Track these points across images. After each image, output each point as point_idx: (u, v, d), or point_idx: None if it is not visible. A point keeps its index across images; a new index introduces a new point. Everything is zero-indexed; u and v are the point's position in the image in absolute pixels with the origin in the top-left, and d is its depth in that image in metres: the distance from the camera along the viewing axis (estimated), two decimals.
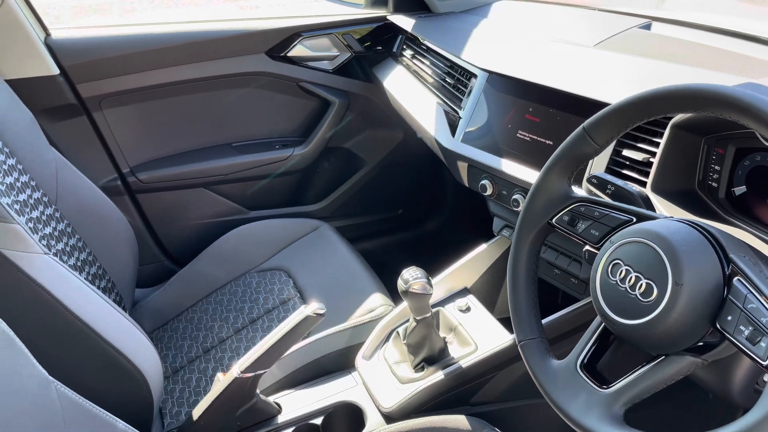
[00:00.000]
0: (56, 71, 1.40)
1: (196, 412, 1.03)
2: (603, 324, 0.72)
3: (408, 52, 1.60)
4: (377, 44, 1.69)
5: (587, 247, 0.83)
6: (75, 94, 1.44)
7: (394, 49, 1.67)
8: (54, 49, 1.40)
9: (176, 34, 1.50)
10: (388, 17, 1.65)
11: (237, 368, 1.02)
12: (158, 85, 1.53)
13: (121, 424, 0.75)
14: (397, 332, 1.15)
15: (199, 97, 1.59)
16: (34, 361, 0.68)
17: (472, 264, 1.25)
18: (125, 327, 1.05)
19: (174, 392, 1.32)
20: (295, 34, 1.59)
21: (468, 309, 1.18)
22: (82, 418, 0.71)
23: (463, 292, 1.23)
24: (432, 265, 1.34)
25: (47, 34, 1.41)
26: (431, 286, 1.01)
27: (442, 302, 1.22)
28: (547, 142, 1.02)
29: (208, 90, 1.59)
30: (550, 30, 1.37)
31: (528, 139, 1.06)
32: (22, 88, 1.33)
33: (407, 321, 1.12)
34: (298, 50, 1.60)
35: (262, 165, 1.66)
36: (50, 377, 0.69)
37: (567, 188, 0.78)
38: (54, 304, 0.92)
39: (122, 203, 1.57)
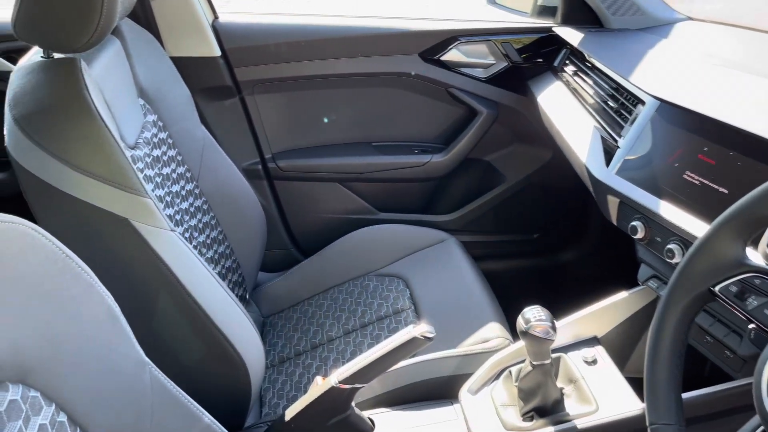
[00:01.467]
0: (218, 53, 1.45)
1: (289, 413, 1.01)
2: (763, 430, 0.58)
3: (570, 68, 1.47)
4: (538, 56, 1.58)
5: (754, 325, 0.68)
6: (232, 76, 1.49)
7: (555, 63, 1.55)
8: (219, 31, 1.46)
9: (334, 28, 1.50)
10: (554, 29, 1.54)
11: (336, 377, 0.98)
12: (310, 76, 1.54)
13: (206, 417, 0.73)
14: (510, 372, 1.05)
15: (347, 92, 1.58)
16: (134, 341, 0.68)
17: (607, 311, 1.12)
18: (236, 315, 1.05)
19: (276, 382, 1.32)
20: (451, 38, 1.53)
21: (594, 361, 1.05)
22: (170, 406, 0.70)
23: (592, 341, 1.10)
24: (561, 301, 1.22)
25: (215, 17, 1.47)
26: (555, 331, 0.91)
27: (566, 348, 1.09)
28: (722, 190, 0.86)
29: (357, 86, 1.58)
30: (742, 59, 1.18)
31: (697, 182, 0.91)
32: (184, 65, 1.40)
33: (523, 362, 1.02)
34: (452, 54, 1.54)
35: (399, 168, 1.62)
36: (146, 359, 0.69)
37: (741, 253, 0.65)
38: (171, 279, 0.94)
39: (259, 187, 1.61)
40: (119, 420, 0.63)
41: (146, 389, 0.67)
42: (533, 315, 0.91)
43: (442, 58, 1.55)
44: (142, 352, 0.69)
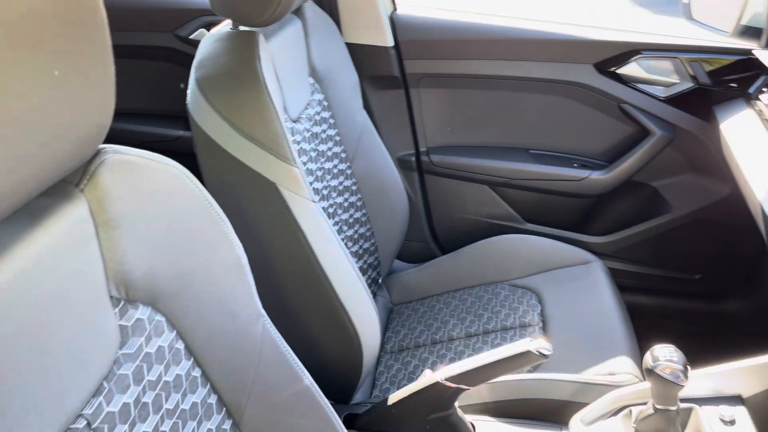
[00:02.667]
0: (391, 43, 1.50)
1: (392, 399, 1.02)
2: None
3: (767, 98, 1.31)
4: (730, 80, 1.42)
5: None
6: (400, 68, 1.53)
7: (751, 90, 1.39)
8: (396, 23, 1.50)
9: (507, 29, 1.48)
10: (754, 51, 1.38)
11: (443, 373, 0.97)
12: (477, 75, 1.54)
13: (307, 379, 0.77)
14: (630, 411, 0.96)
15: (511, 95, 1.55)
16: (255, 293, 0.73)
17: (761, 371, 0.98)
18: (359, 293, 1.08)
19: (391, 369, 1.34)
20: (632, 51, 1.43)
21: (732, 422, 0.93)
22: (276, 361, 0.74)
23: (735, 400, 0.98)
24: (710, 351, 1.10)
25: (394, 9, 1.52)
26: (686, 377, 0.82)
27: (702, 401, 0.98)
28: None
29: (523, 90, 1.54)
30: None
31: None
32: (357, 52, 1.46)
33: (647, 403, 0.93)
34: (630, 68, 1.45)
35: (553, 179, 1.56)
36: (263, 312, 0.73)
37: None
38: (305, 247, 0.99)
39: (410, 178, 1.64)
40: (227, 362, 0.68)
41: (257, 339, 0.72)
42: (663, 354, 0.83)
43: (619, 71, 1.46)
44: (260, 304, 0.74)
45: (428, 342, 1.38)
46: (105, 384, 0.54)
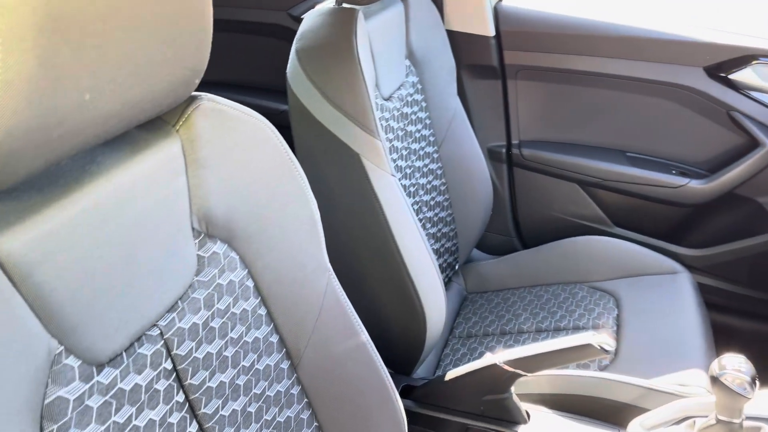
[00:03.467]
0: (492, 33, 1.51)
1: (449, 375, 1.04)
2: None
3: None
4: None
5: None
6: (500, 58, 1.54)
7: None
8: (499, 13, 1.51)
9: (614, 26, 1.44)
10: None
11: (501, 356, 0.98)
12: (578, 71, 1.51)
13: (365, 335, 0.81)
14: (694, 422, 0.93)
15: (612, 94, 1.51)
16: (324, 248, 0.78)
17: None
18: (430, 271, 1.11)
19: (457, 353, 1.36)
20: (749, 56, 1.36)
21: None
22: (336, 314, 0.78)
23: None
24: None
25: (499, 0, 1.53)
26: (754, 389, 0.78)
27: None
28: None
29: (625, 90, 1.50)
30: None
31: None
32: (458, 39, 1.48)
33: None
34: (744, 74, 1.37)
35: (649, 185, 1.51)
36: (329, 267, 0.78)
37: None
38: (381, 219, 1.03)
39: (498, 170, 1.64)
40: (291, 307, 0.74)
41: (321, 291, 0.77)
42: (732, 363, 0.80)
43: (731, 76, 1.38)
44: (327, 260, 0.78)
45: (497, 332, 1.39)
46: (179, 303, 0.61)
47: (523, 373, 0.97)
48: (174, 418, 0.58)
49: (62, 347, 0.49)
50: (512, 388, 1.01)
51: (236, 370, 0.67)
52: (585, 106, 1.55)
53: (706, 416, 0.94)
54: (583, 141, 1.58)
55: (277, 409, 0.72)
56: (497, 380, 0.99)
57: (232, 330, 0.67)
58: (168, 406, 0.58)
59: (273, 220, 0.71)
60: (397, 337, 1.12)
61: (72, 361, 0.49)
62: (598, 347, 0.90)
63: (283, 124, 1.12)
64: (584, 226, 1.61)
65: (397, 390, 0.88)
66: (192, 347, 0.61)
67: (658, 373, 1.10)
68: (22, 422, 0.44)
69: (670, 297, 1.34)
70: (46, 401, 0.47)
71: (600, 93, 1.52)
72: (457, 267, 1.50)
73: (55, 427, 0.47)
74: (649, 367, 1.12)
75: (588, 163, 1.55)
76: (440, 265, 1.41)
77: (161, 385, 0.57)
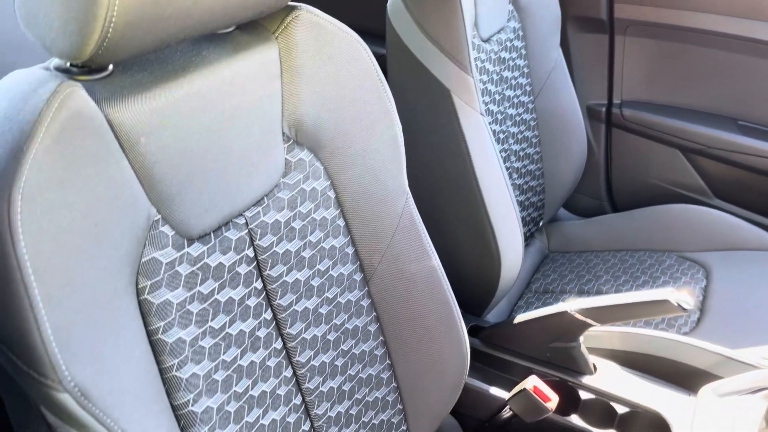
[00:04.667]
0: None
1: (519, 319, 1.05)
2: None
3: None
4: None
5: None
6: (609, 11, 1.47)
7: None
8: None
9: None
10: None
11: (574, 305, 0.98)
12: (695, 29, 1.42)
13: (436, 260, 0.83)
14: None
15: (730, 57, 1.42)
16: (404, 172, 0.80)
17: None
18: (510, 217, 1.11)
19: (531, 305, 1.36)
20: None
21: None
22: (410, 236, 0.81)
23: None
24: None
25: None
26: None
27: None
28: None
29: (746, 53, 1.40)
30: None
31: None
32: None
33: None
34: None
35: (759, 156, 1.41)
36: (408, 189, 0.81)
37: None
38: (465, 158, 1.04)
39: (595, 129, 1.59)
40: (369, 222, 0.77)
41: (398, 211, 0.80)
42: None
43: None
44: (406, 182, 0.81)
45: (575, 290, 1.37)
46: (265, 199, 0.65)
47: (593, 322, 0.96)
48: (252, 302, 0.64)
49: (160, 216, 0.54)
50: (581, 338, 1.00)
51: (312, 272, 0.71)
52: (697, 67, 1.46)
53: None
54: (690, 105, 1.49)
55: (346, 316, 0.76)
56: (567, 328, 0.99)
57: (311, 234, 0.71)
58: (247, 290, 0.63)
59: (358, 136, 0.74)
60: (470, 278, 1.13)
61: (167, 230, 0.55)
62: (676, 304, 0.88)
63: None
64: (681, 195, 1.54)
65: (466, 328, 0.90)
66: (273, 241, 0.66)
67: (740, 345, 1.05)
68: (122, 273, 0.50)
69: (765, 274, 1.27)
70: (143, 260, 0.53)
71: (715, 54, 1.43)
72: (541, 224, 1.49)
73: (148, 283, 0.53)
74: (730, 338, 1.07)
75: (693, 128, 1.47)
76: (523, 218, 1.40)
77: (242, 269, 0.62)
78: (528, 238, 1.47)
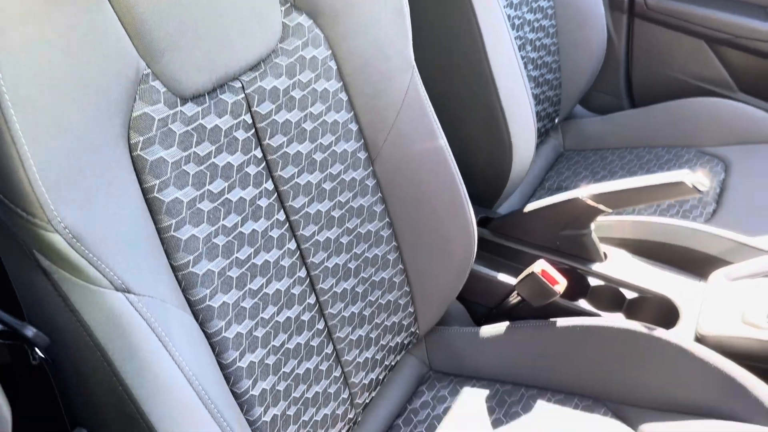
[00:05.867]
0: None
1: (529, 207, 1.03)
2: None
3: None
4: None
5: None
6: None
7: None
8: None
9: None
10: None
11: (586, 191, 0.96)
12: None
13: (443, 140, 0.81)
14: None
15: None
16: (410, 45, 0.77)
17: None
18: (524, 104, 1.08)
19: (542, 196, 1.34)
20: None
21: None
22: (417, 113, 0.79)
23: None
24: None
25: None
26: None
27: None
28: None
29: None
30: None
31: None
32: None
33: None
34: None
35: None
36: (414, 64, 0.77)
37: None
38: (478, 42, 1.00)
39: (616, 20, 1.51)
40: (372, 98, 0.74)
41: (404, 86, 0.77)
42: None
43: None
44: (412, 56, 0.77)
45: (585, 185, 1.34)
46: (262, 65, 0.63)
47: (605, 209, 0.94)
48: (251, 170, 0.63)
49: (150, 71, 0.52)
50: (592, 226, 0.99)
51: (314, 146, 0.69)
52: None
53: None
54: None
55: (351, 194, 0.75)
56: (578, 215, 0.98)
57: (312, 105, 0.69)
58: (246, 157, 0.62)
59: (360, 3, 0.70)
60: (481, 168, 1.11)
61: (158, 86, 0.53)
62: (691, 186, 0.85)
63: None
64: (703, 89, 1.48)
65: (475, 217, 0.89)
66: (272, 109, 0.64)
67: (755, 233, 1.04)
68: (113, 123, 0.49)
69: None
70: (134, 114, 0.51)
71: None
72: (556, 120, 1.44)
73: (140, 139, 0.52)
74: (745, 228, 1.05)
75: (721, 17, 1.39)
76: (538, 113, 1.36)
77: (240, 135, 0.61)
78: (542, 135, 1.43)
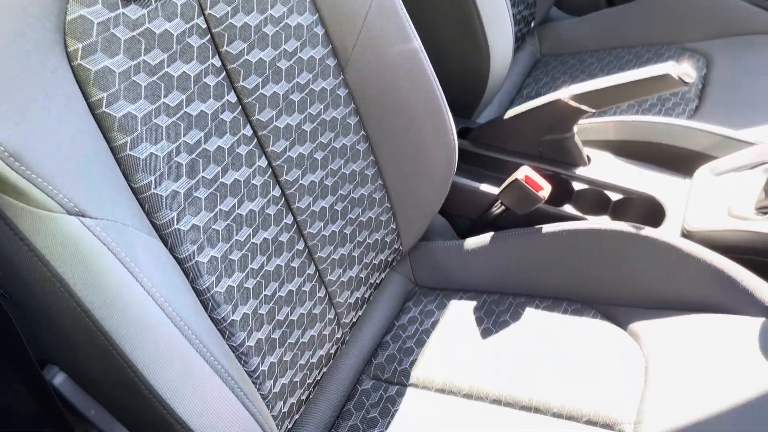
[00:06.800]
0: None
1: (509, 114, 0.99)
2: None
3: None
4: None
5: None
6: None
7: None
8: None
9: None
10: None
11: (567, 92, 0.92)
12: None
13: (417, 42, 0.76)
14: None
15: None
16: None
17: None
18: (501, 10, 1.02)
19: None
20: None
21: None
22: (389, 13, 0.74)
23: None
24: None
25: None
26: None
27: None
28: None
29: None
30: None
31: None
32: None
33: None
34: None
35: None
36: None
37: None
38: None
39: None
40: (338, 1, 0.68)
41: None
42: None
43: None
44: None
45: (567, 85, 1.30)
46: None
47: (588, 109, 0.91)
48: (210, 80, 0.57)
49: None
50: (575, 128, 0.95)
51: (277, 52, 0.64)
52: None
53: None
54: None
55: (322, 106, 0.70)
56: (560, 117, 0.94)
57: (272, 7, 0.63)
58: (203, 66, 0.56)
59: None
60: (458, 76, 1.06)
61: None
62: (677, 78, 0.81)
63: None
64: None
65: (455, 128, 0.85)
66: (227, 12, 0.58)
67: (738, 126, 1.01)
68: (42, 27, 0.43)
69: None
70: (69, 17, 0.45)
71: None
72: (532, 24, 1.38)
73: (79, 46, 0.46)
74: (728, 122, 1.02)
75: None
76: (514, 16, 1.29)
77: (195, 42, 0.55)
78: (519, 41, 1.37)
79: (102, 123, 0.48)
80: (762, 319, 0.72)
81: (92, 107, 0.47)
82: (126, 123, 0.49)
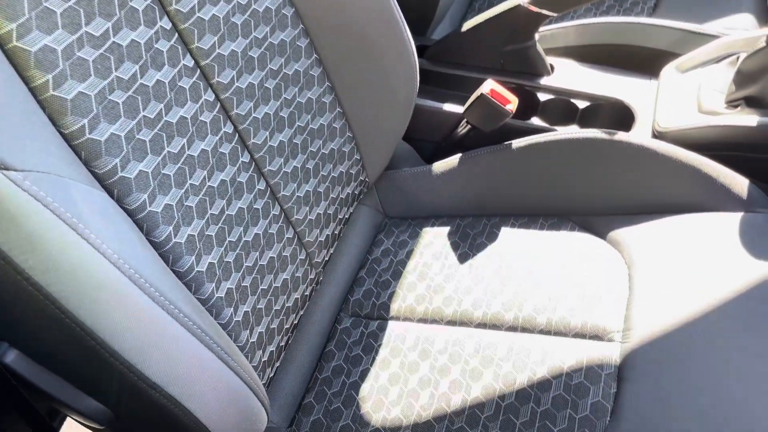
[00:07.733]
0: None
1: (467, 26, 0.94)
2: None
3: None
4: None
5: None
6: None
7: None
8: None
9: None
10: None
11: None
12: None
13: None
14: (738, 57, 0.84)
15: None
16: None
17: None
18: None
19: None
20: None
21: None
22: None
23: None
24: None
25: None
26: None
27: None
28: None
29: None
30: None
31: None
32: None
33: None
34: None
35: None
36: None
37: None
38: None
39: None
40: None
41: None
42: None
43: None
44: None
45: None
46: None
47: (549, 12, 0.86)
48: (138, 4, 0.50)
49: None
50: (536, 36, 0.91)
51: None
52: None
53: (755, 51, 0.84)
54: None
55: (268, 29, 0.63)
56: (521, 24, 0.89)
57: None
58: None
59: None
60: None
61: None
62: None
63: None
64: None
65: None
66: None
67: (700, 20, 0.98)
68: None
69: None
70: None
71: None
72: None
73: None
74: (689, 15, 0.99)
75: None
76: None
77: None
78: None
79: (14, 59, 0.41)
80: (740, 214, 0.71)
81: (1, 41, 0.40)
82: (44, 58, 0.42)
